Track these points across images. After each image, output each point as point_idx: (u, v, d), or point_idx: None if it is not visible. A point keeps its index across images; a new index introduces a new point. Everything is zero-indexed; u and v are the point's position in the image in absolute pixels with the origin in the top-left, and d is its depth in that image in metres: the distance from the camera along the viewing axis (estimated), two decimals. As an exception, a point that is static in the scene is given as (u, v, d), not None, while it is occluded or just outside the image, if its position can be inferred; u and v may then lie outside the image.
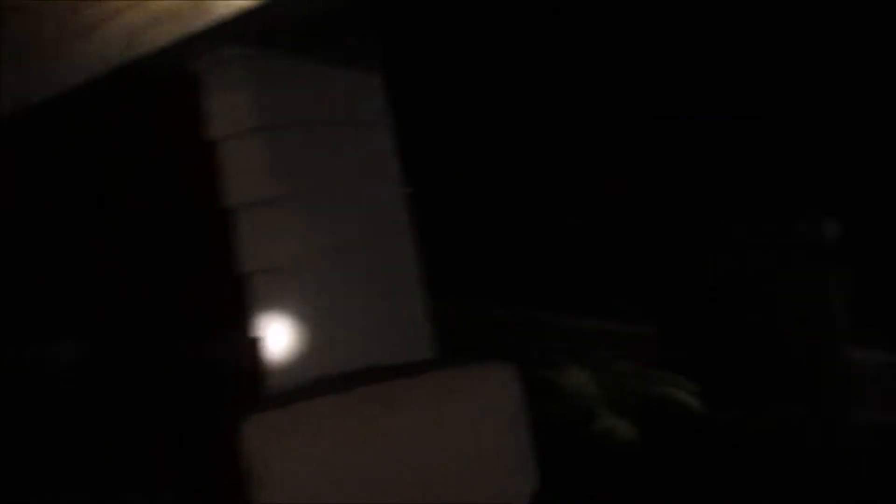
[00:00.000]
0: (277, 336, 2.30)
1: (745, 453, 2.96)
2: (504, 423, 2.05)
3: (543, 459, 2.26)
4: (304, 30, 2.32)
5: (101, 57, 2.34)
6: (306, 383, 2.22)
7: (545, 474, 2.23)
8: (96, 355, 2.80)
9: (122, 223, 2.69)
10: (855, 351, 3.47)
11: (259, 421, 2.02)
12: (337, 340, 2.40)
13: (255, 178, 2.30)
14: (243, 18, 2.02)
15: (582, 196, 3.15)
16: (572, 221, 3.26)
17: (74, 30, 2.41)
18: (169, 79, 2.39)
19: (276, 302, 2.31)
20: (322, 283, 2.40)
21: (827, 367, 3.47)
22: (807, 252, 3.32)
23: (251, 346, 2.23)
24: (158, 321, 2.56)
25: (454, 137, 3.02)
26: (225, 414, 2.06)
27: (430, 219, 2.67)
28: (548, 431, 2.85)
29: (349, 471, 1.96)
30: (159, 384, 2.49)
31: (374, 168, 2.57)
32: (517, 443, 2.06)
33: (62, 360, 2.92)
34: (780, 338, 3.49)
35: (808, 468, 2.84)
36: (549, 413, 3.01)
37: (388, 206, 2.58)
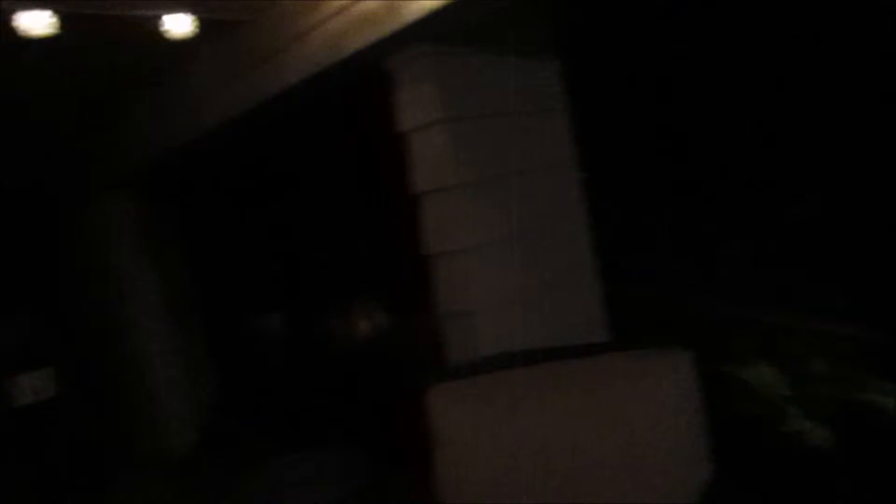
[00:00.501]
0: (459, 314, 2.45)
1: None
2: (678, 412, 2.02)
3: (726, 456, 2.20)
4: (486, 24, 2.41)
5: (307, 63, 2.62)
6: (487, 359, 2.33)
7: (727, 471, 2.17)
8: (302, 328, 3.12)
9: (323, 211, 2.98)
10: None
11: (443, 390, 2.17)
12: (513, 322, 2.50)
13: (439, 167, 2.46)
14: (431, 18, 2.18)
15: (787, 188, 2.98)
16: (778, 214, 3.09)
17: (284, 40, 2.72)
18: (364, 77, 2.62)
19: (458, 283, 2.45)
20: (500, 266, 2.51)
21: None
22: None
23: (435, 322, 2.39)
24: (354, 298, 2.80)
25: (647, 121, 2.99)
26: (412, 382, 2.22)
27: (628, 204, 2.67)
28: (731, 428, 2.75)
29: (524, 443, 2.04)
30: (354, 355, 2.73)
31: (552, 156, 2.64)
32: (691, 432, 2.02)
33: (273, 331, 3.31)
34: None
35: None
36: (734, 410, 2.90)
37: (563, 193, 2.65)
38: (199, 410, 4.13)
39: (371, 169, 2.72)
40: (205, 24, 2.39)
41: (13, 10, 1.91)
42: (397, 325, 2.51)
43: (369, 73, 2.57)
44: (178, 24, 2.19)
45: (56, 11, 2.01)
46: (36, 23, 1.95)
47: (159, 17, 2.14)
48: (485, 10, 2.26)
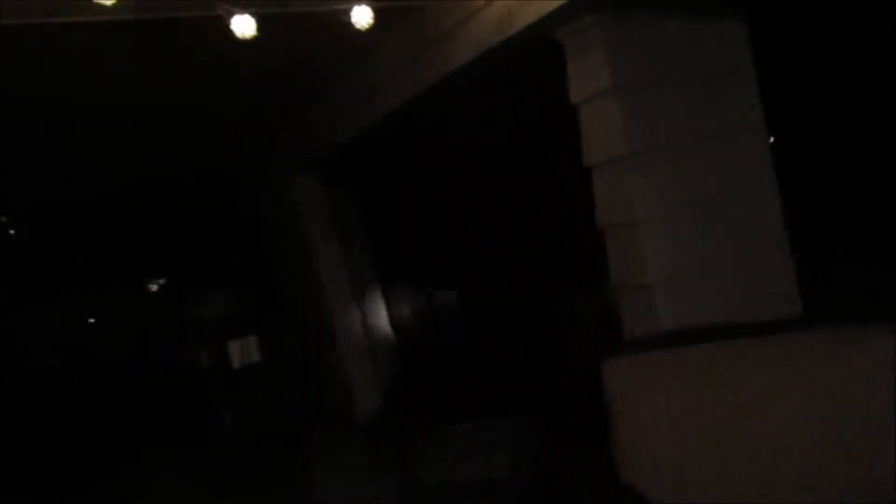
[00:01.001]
0: (634, 287, 2.41)
1: None
2: (878, 392, 1.86)
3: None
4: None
5: (477, 42, 2.67)
6: (666, 333, 2.28)
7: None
8: (477, 303, 3.22)
9: (492, 188, 3.03)
10: None
11: (620, 364, 2.15)
12: (694, 296, 2.41)
13: (611, 137, 2.41)
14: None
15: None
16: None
17: (454, 22, 2.78)
18: (536, 51, 2.61)
19: (632, 256, 2.41)
20: (677, 238, 2.42)
21: None
22: None
23: (607, 296, 2.36)
24: (527, 274, 2.84)
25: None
26: (589, 355, 2.23)
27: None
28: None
29: (709, 419, 1.98)
30: (530, 328, 2.77)
31: (736, 120, 2.49)
32: (885, 418, 1.85)
33: (450, 305, 3.45)
34: None
35: None
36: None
37: (751, 160, 2.50)
38: (383, 378, 4.43)
39: (544, 143, 2.73)
40: (382, 13, 2.51)
41: (230, 14, 2.12)
42: (573, 299, 2.52)
43: (539, 47, 2.57)
44: (362, 15, 2.31)
45: (255, 14, 2.21)
46: (245, 26, 2.15)
47: (345, 10, 2.27)
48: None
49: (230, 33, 2.13)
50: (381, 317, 4.48)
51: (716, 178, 2.46)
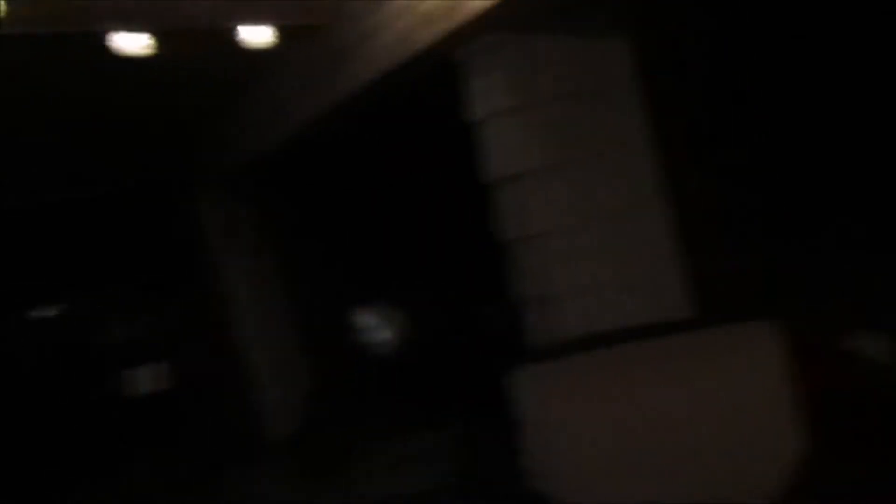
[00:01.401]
0: (540, 298, 2.48)
1: None
2: (765, 384, 2.00)
3: (835, 427, 2.15)
4: (553, 10, 2.43)
5: (377, 62, 2.70)
6: (572, 340, 2.36)
7: (829, 440, 2.13)
8: (390, 317, 3.24)
9: (404, 202, 3.07)
10: None
11: (528, 373, 2.21)
12: (598, 302, 2.50)
13: (513, 153, 2.48)
14: (495, 9, 2.20)
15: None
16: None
17: (355, 41, 2.81)
18: (436, 70, 2.67)
19: (538, 267, 2.48)
20: (581, 249, 2.51)
21: None
22: None
23: (516, 306, 2.43)
24: (438, 287, 2.88)
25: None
26: (496, 367, 2.28)
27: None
28: (839, 399, 2.67)
29: (611, 421, 2.08)
30: (439, 343, 2.81)
31: (627, 135, 2.61)
32: (782, 403, 1.99)
33: (363, 322, 3.44)
34: None
35: None
36: (837, 379, 2.81)
37: (642, 173, 2.61)
38: (298, 398, 4.36)
39: (448, 159, 2.78)
40: (283, 32, 2.51)
41: (107, 33, 2.07)
42: (482, 311, 2.57)
43: (440, 65, 2.63)
44: (256, 35, 2.31)
45: (149, 31, 2.17)
46: (132, 43, 2.11)
47: (236, 29, 2.26)
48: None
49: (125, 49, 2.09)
50: (293, 335, 4.42)
51: (612, 192, 2.57)
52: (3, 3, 1.89)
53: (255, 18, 2.31)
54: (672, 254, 2.63)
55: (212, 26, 2.29)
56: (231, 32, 2.28)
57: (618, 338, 2.28)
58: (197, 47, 2.54)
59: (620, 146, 2.60)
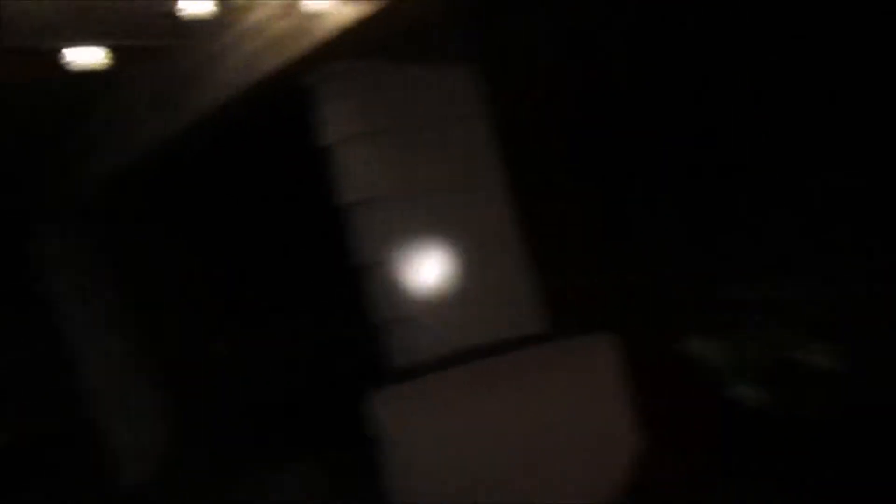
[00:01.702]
0: (395, 320, 2.51)
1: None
2: (604, 394, 2.13)
3: (669, 427, 2.30)
4: (402, 38, 2.46)
5: (226, 84, 2.64)
6: (426, 361, 2.41)
7: (670, 441, 2.28)
8: (244, 346, 3.15)
9: (255, 228, 3.01)
10: None
11: (384, 395, 2.24)
12: (454, 322, 2.56)
13: (362, 180, 2.50)
14: (343, 36, 2.21)
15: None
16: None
17: (202, 65, 2.73)
18: (287, 94, 2.64)
19: (392, 290, 2.51)
20: (436, 272, 2.57)
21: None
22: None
23: (369, 329, 2.45)
24: (294, 313, 2.84)
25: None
26: (353, 391, 2.28)
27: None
28: (675, 400, 2.86)
29: (463, 439, 2.13)
30: (298, 370, 2.77)
31: (476, 161, 2.69)
32: (619, 411, 2.13)
33: (217, 352, 3.33)
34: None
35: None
36: (678, 382, 3.02)
37: (488, 198, 2.69)
38: (152, 440, 4.10)
39: (303, 183, 2.76)
40: (122, 54, 2.40)
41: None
42: (338, 337, 2.57)
43: (293, 89, 2.61)
44: (87, 56, 2.19)
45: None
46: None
47: (61, 51, 2.13)
48: (395, 24, 2.30)
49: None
50: (146, 372, 4.19)
51: (464, 214, 2.64)
52: None
53: (86, 39, 2.19)
54: (524, 272, 2.73)
55: (38, 47, 2.15)
56: (58, 54, 2.14)
57: (471, 356, 2.35)
58: (26, 69, 2.38)
59: (472, 170, 2.68)
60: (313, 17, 2.22)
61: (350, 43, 2.30)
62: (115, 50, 2.30)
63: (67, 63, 2.11)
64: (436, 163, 2.58)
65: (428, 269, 2.56)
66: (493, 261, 2.61)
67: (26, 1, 2.07)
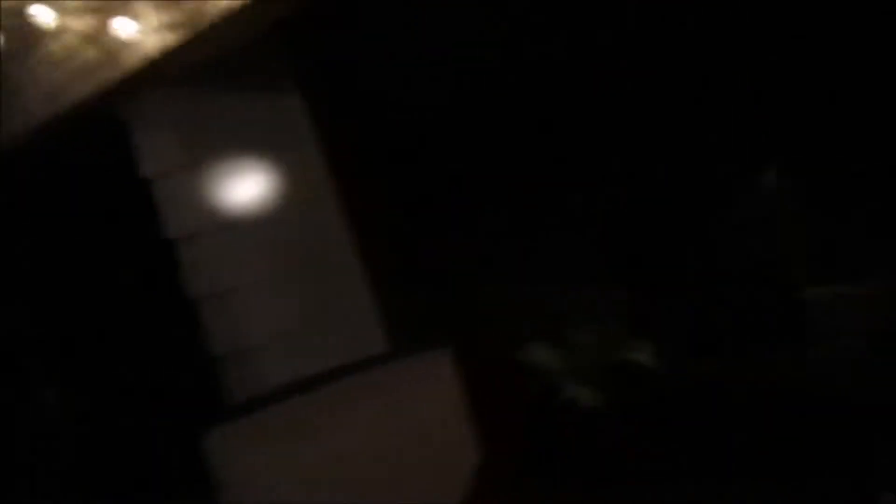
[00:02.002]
0: (233, 353, 2.45)
1: (710, 409, 3.08)
2: (445, 410, 2.19)
3: (507, 436, 2.39)
4: (221, 65, 2.42)
5: (27, 115, 2.45)
6: (265, 393, 2.36)
7: (511, 450, 2.37)
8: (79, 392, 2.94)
9: (79, 265, 2.82)
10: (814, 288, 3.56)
11: (222, 431, 2.16)
12: (296, 351, 2.54)
13: (188, 212, 2.44)
14: (155, 64, 2.15)
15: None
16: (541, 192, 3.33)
17: (12, 87, 2.53)
18: (103, 124, 2.51)
19: (228, 323, 2.45)
20: (273, 300, 2.54)
21: (781, 309, 3.59)
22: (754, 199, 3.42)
23: (205, 364, 2.38)
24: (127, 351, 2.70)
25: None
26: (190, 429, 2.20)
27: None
28: (513, 409, 2.98)
29: (308, 470, 2.11)
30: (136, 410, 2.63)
31: (307, 189, 2.68)
32: (457, 425, 2.20)
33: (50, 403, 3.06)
34: (736, 286, 3.60)
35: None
36: (515, 390, 3.14)
37: (323, 227, 2.69)
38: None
39: (125, 217, 2.63)
40: None
41: None
42: (174, 372, 2.47)
43: (109, 119, 2.48)
44: None
45: None
46: None
47: None
48: (213, 51, 2.26)
49: None
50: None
51: (297, 242, 2.63)
52: None
53: None
54: (366, 292, 2.75)
55: None
56: None
57: (312, 383, 2.32)
58: None
59: (303, 198, 2.67)
60: (123, 44, 2.14)
61: (164, 71, 2.23)
62: None
63: None
64: (263, 191, 2.55)
65: (264, 298, 2.52)
66: (329, 284, 2.62)
67: None
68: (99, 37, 2.19)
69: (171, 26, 2.08)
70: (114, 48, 2.17)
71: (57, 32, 2.28)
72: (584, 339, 3.49)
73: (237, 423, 2.22)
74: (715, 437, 2.95)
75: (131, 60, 2.16)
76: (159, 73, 2.23)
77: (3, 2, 2.32)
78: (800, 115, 2.71)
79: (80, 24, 2.25)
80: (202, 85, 2.42)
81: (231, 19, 2.06)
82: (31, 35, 2.32)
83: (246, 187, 2.49)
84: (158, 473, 2.62)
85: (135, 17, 2.14)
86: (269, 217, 2.53)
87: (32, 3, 2.26)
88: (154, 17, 2.11)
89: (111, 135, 2.43)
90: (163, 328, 2.57)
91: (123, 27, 2.13)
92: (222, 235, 2.46)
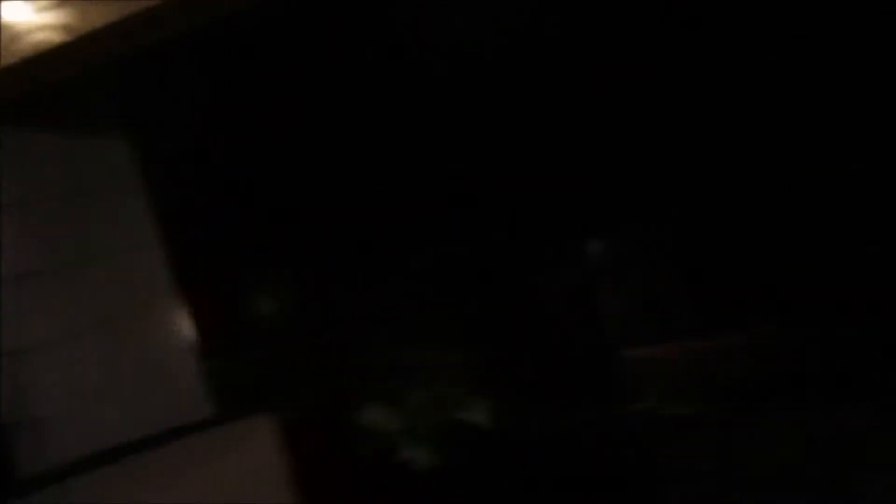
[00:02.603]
0: (29, 421, 2.23)
1: (537, 464, 3.19)
2: (264, 477, 2.12)
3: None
4: (46, 103, 2.30)
5: None
6: (66, 465, 2.16)
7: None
8: None
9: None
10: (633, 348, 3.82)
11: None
12: (103, 417, 2.34)
13: (8, 255, 2.23)
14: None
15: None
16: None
17: None
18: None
19: (25, 386, 2.23)
20: (80, 360, 2.34)
21: (600, 366, 3.82)
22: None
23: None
24: None
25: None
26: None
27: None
28: (350, 470, 2.92)
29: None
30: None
31: (130, 236, 2.56)
32: (277, 492, 2.13)
33: None
34: (559, 344, 3.79)
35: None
36: (351, 452, 3.10)
37: (148, 271, 2.57)
38: None
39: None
40: None
41: None
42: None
43: None
44: None
45: None
46: None
47: None
48: (31, 87, 2.13)
49: None
50: None
51: (118, 294, 2.47)
52: None
53: None
54: (188, 354, 2.60)
55: None
56: None
57: (120, 453, 2.16)
58: None
59: (126, 247, 2.53)
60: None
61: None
62: None
63: None
64: (84, 236, 2.39)
65: (72, 358, 2.32)
66: (154, 342, 2.46)
67: None
68: None
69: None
70: None
71: None
72: (418, 400, 3.54)
73: (31, 498, 2.02)
74: (541, 492, 3.06)
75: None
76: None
77: None
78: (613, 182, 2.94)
79: None
80: (28, 123, 2.27)
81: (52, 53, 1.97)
82: None
83: (65, 235, 2.33)
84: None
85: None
86: (76, 268, 2.36)
87: None
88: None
89: None
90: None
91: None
92: (18, 288, 2.26)
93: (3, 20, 1.98)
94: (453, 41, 2.76)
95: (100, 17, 1.97)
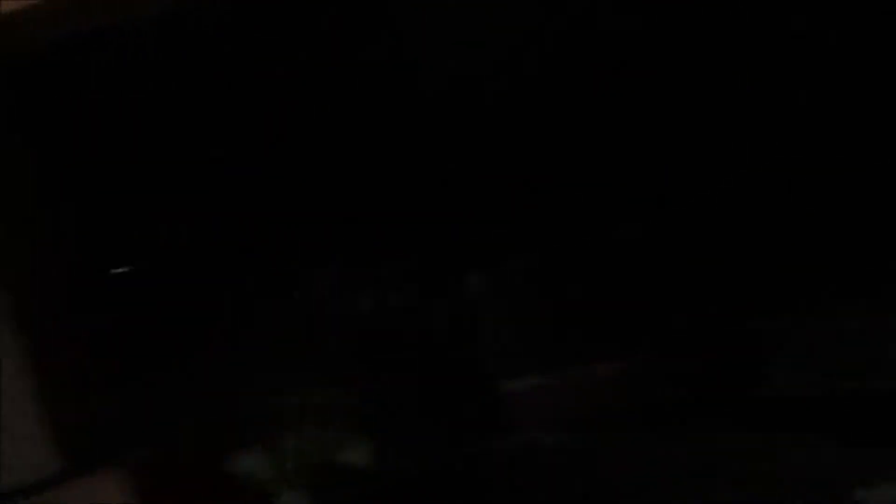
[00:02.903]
0: None
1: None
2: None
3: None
4: None
5: None
6: None
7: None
8: None
9: None
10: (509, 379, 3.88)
11: None
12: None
13: None
14: None
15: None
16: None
17: None
18: None
19: None
20: None
21: (479, 398, 3.85)
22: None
23: None
24: None
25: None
26: None
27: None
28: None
29: None
30: None
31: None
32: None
33: None
34: (436, 379, 3.80)
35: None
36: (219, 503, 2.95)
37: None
38: None
39: None
40: None
41: None
42: None
43: None
44: None
45: None
46: None
47: None
48: None
49: None
50: None
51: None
52: None
53: None
54: (31, 406, 2.55)
55: None
56: None
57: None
58: None
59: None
60: None
61: None
62: None
63: None
64: None
65: None
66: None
67: None
68: None
69: None
70: None
71: None
72: (295, 444, 3.42)
73: None
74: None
75: None
76: None
77: None
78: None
79: None
80: None
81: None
82: None
83: None
84: None
85: None
86: None
87: None
88: None
89: None
90: None
91: None
92: None
93: None
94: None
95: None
